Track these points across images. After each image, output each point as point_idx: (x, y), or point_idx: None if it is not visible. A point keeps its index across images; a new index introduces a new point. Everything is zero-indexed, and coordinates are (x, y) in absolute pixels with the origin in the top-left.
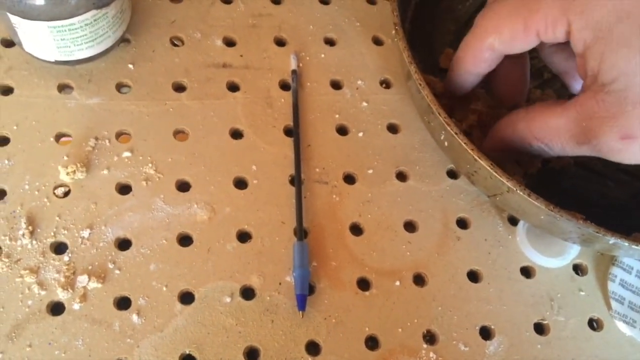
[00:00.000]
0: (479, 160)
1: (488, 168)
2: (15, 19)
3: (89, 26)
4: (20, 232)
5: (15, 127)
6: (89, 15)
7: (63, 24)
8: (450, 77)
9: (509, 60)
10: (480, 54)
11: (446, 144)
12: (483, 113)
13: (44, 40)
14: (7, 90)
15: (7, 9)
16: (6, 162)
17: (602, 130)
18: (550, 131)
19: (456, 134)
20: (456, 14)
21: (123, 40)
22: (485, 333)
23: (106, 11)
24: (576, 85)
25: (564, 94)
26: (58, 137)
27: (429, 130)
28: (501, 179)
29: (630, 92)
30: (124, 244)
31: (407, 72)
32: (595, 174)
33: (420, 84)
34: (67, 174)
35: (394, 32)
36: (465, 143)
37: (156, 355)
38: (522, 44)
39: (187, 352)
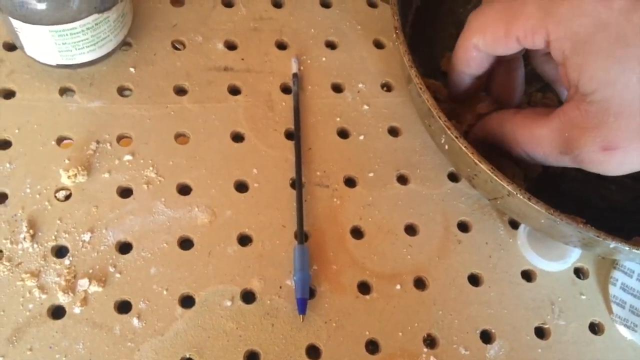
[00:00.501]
0: (480, 164)
1: (488, 172)
2: (17, 23)
3: (91, 30)
4: (22, 236)
5: (16, 131)
6: (90, 19)
7: (65, 28)
8: (449, 77)
9: (504, 64)
10: (467, 53)
11: (447, 147)
12: (482, 115)
13: (46, 44)
14: (9, 94)
15: (8, 14)
16: (7, 165)
17: (584, 140)
18: (534, 140)
19: (456, 137)
20: (457, 18)
21: (124, 43)
22: (486, 337)
23: (108, 15)
24: (566, 93)
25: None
26: (59, 141)
27: (429, 134)
28: (501, 182)
29: (611, 103)
30: (124, 248)
31: (408, 76)
32: (596, 177)
33: (420, 88)
34: (69, 177)
35: (394, 35)
36: (465, 147)
37: (157, 359)
38: (504, 48)
39: (188, 355)
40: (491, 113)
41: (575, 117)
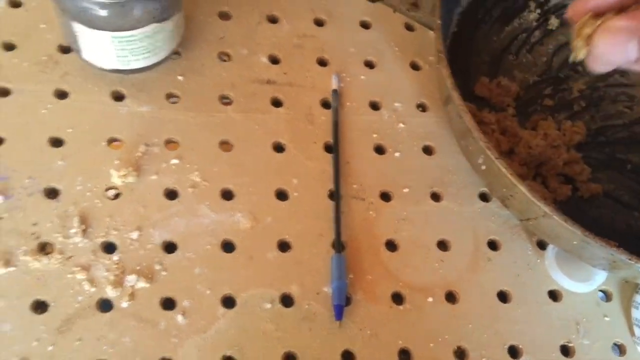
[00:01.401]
0: (518, 185)
1: (526, 193)
2: (78, 27)
3: (148, 38)
4: (73, 231)
5: (69, 130)
6: (149, 28)
7: (125, 35)
8: (604, 41)
9: None
10: None
11: (483, 167)
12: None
13: (105, 49)
14: (63, 94)
15: (72, 18)
16: (60, 162)
17: None
18: None
19: (496, 158)
20: (491, 45)
21: (174, 53)
22: (514, 352)
23: (165, 25)
24: None
25: (592, 125)
26: (110, 142)
27: (465, 154)
28: (538, 203)
29: None
30: (170, 247)
31: (446, 97)
32: (623, 205)
33: (462, 110)
34: (119, 177)
35: (435, 58)
36: (505, 168)
37: (199, 355)
38: None
39: (229, 354)
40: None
41: None
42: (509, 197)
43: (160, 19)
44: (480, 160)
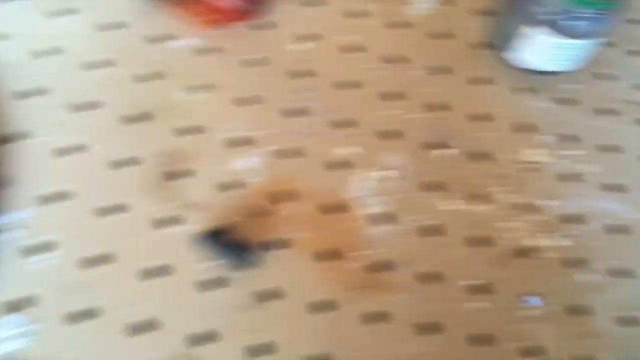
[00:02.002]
0: None
1: None
2: (524, 30)
3: (578, 49)
4: (503, 188)
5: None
6: (586, 41)
7: (565, 43)
8: None
9: None
10: None
11: None
12: None
13: (538, 51)
14: (484, 81)
15: (522, 22)
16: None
17: None
18: None
19: None
20: None
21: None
22: None
23: (594, 43)
24: None
25: None
26: (521, 128)
27: None
28: None
29: None
30: (574, 219)
31: None
32: None
33: None
34: (532, 155)
35: None
36: None
37: None
38: None
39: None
40: None
41: None
42: None
43: (597, 37)
44: None
